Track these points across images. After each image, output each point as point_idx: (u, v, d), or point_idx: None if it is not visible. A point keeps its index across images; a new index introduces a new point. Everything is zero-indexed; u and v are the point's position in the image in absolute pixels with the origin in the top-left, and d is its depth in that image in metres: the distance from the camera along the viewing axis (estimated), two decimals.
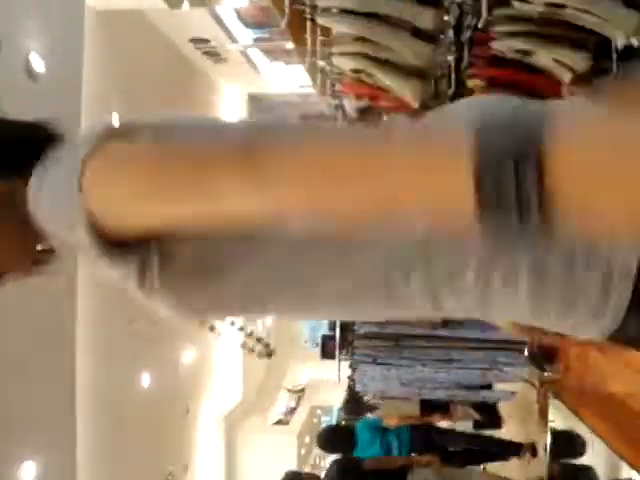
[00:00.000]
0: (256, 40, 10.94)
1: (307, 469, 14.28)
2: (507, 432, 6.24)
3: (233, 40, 10.71)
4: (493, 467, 5.91)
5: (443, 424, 6.14)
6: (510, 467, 5.80)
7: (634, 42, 2.60)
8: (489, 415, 6.05)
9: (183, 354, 11.05)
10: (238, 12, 10.06)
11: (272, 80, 12.63)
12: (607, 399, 4.15)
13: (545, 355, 5.44)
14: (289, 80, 11.63)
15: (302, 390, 15.95)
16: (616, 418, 4.07)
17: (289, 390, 16.13)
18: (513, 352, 5.23)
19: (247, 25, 10.38)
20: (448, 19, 3.17)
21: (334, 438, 5.46)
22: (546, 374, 5.47)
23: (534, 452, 5.56)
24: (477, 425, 6.16)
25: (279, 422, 14.34)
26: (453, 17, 3.11)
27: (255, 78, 12.50)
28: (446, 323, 5.04)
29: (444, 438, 5.73)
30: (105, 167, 0.75)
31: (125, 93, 8.50)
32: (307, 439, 15.03)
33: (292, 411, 14.88)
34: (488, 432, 6.07)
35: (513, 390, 5.57)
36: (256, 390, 14.08)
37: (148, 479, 9.82)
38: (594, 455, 5.65)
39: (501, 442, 5.90)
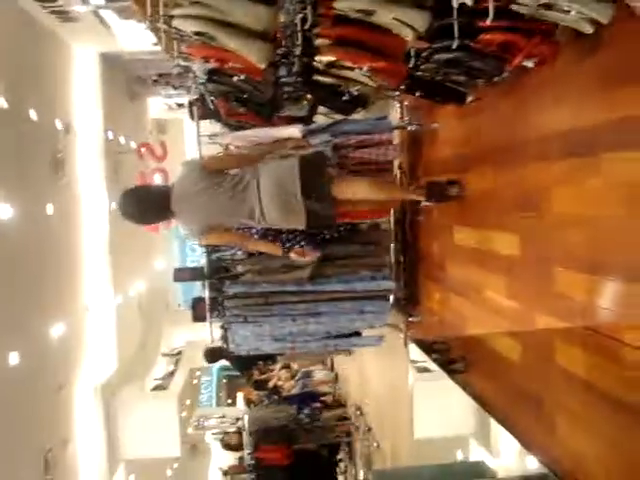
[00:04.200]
0: None
1: (190, 430, 14.32)
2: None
3: None
4: None
5: None
6: None
7: (467, 0, 2.71)
8: None
9: (52, 329, 10.67)
10: None
11: (124, 38, 12.13)
12: (468, 341, 4.40)
13: (409, 301, 5.71)
14: (142, 38, 11.21)
15: (179, 353, 15.84)
16: (477, 360, 4.33)
17: (166, 354, 15.97)
18: (379, 300, 5.42)
19: None
20: None
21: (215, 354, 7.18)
22: (410, 319, 5.75)
23: None
24: None
25: (158, 387, 14.20)
26: None
27: (107, 37, 11.97)
28: (312, 278, 5.15)
29: None
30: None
31: None
32: (188, 401, 15.02)
33: (170, 375, 14.77)
34: None
35: (381, 335, 5.80)
36: (132, 357, 13.85)
37: (25, 459, 9.50)
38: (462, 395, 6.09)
39: None
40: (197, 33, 2.38)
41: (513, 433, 3.58)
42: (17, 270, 9.21)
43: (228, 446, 10.83)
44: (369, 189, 4.15)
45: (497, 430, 5.95)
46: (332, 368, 11.77)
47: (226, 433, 11.38)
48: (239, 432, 10.56)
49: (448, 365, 4.76)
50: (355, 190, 4.00)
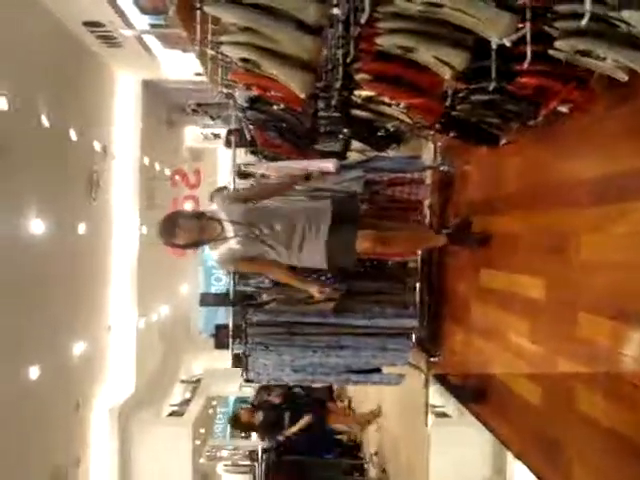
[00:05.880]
0: (152, 26, 10.76)
1: (202, 460, 14.19)
2: None
3: (129, 25, 10.48)
4: None
5: None
6: None
7: (506, 42, 2.76)
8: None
9: (74, 347, 10.77)
10: None
11: (167, 66, 12.44)
12: (488, 382, 4.37)
13: (432, 340, 5.68)
14: (184, 67, 11.49)
15: (197, 381, 15.82)
16: (498, 401, 4.29)
17: (184, 381, 15.97)
18: (401, 337, 5.41)
19: (143, 11, 10.20)
20: (337, 13, 3.27)
21: None
22: (432, 359, 5.71)
23: None
24: None
25: (173, 413, 14.17)
26: (342, 11, 3.21)
27: (150, 64, 12.28)
28: (336, 311, 5.17)
29: None
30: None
31: (14, 77, 8.19)
32: (202, 430, 14.93)
33: (187, 402, 14.74)
34: None
35: (401, 374, 5.76)
36: (149, 382, 13.87)
37: (38, 474, 9.51)
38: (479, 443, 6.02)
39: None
40: (243, 60, 2.46)
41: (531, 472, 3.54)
42: (44, 285, 9.34)
43: (237, 422, 9.73)
44: (403, 246, 4.80)
45: (513, 478, 5.85)
46: (349, 405, 11.65)
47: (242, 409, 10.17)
48: (259, 409, 9.37)
49: (468, 403, 4.72)
50: (391, 246, 4.46)
